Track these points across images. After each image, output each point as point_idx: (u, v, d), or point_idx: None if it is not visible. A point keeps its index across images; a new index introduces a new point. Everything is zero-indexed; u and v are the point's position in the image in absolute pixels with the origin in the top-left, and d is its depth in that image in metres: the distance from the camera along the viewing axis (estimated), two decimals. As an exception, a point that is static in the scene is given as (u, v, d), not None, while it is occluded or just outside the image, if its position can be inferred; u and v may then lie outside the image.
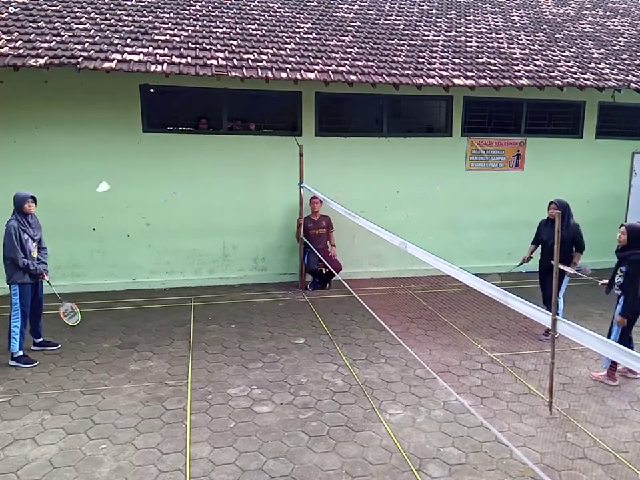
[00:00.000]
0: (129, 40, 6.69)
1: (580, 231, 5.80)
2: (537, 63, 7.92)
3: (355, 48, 7.63)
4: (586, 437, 3.91)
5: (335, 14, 8.92)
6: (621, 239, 4.66)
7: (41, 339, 5.40)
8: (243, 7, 8.62)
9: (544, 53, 8.37)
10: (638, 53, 8.85)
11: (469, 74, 7.23)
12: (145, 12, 7.75)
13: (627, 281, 4.60)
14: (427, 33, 8.65)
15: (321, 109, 7.74)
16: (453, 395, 4.37)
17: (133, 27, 7.13)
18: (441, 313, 6.56)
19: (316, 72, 6.70)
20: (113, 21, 7.25)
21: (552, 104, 8.36)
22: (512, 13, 10.23)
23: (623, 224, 4.81)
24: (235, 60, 6.65)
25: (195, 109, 7.68)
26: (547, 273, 5.55)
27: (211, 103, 7.43)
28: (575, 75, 7.59)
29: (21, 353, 5.05)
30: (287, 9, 8.85)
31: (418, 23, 9.05)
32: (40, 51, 6.05)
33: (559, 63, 8.00)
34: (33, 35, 6.44)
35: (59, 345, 5.45)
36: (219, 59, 6.60)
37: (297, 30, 8.01)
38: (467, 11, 10.01)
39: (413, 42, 8.17)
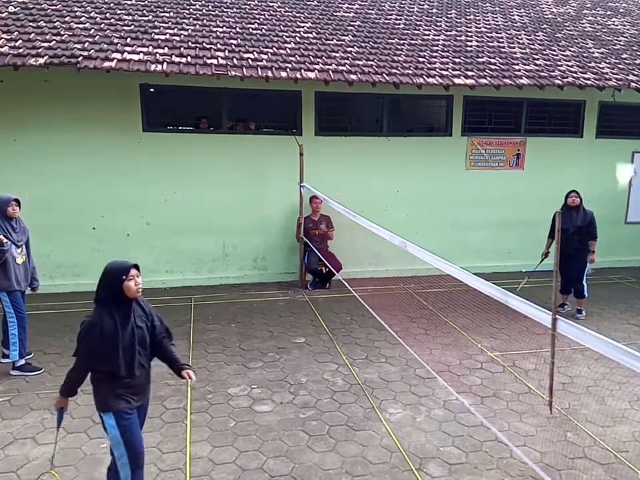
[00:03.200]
0: (128, 39, 6.69)
1: (595, 218, 6.28)
2: (537, 62, 7.91)
3: (355, 47, 7.62)
4: (586, 436, 3.91)
5: (335, 13, 8.92)
6: None
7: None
8: (243, 6, 8.62)
9: (544, 52, 8.36)
10: (638, 53, 8.84)
11: (469, 73, 7.23)
12: (144, 11, 7.74)
13: None
14: (427, 32, 8.65)
15: (320, 108, 7.73)
16: (453, 394, 4.37)
17: (132, 26, 7.13)
18: (441, 312, 6.56)
19: (316, 71, 6.70)
20: (112, 20, 7.25)
21: (552, 103, 8.35)
22: (512, 12, 10.22)
23: None
24: (234, 59, 6.65)
25: (195, 108, 7.68)
26: (568, 259, 5.98)
27: (211, 102, 7.43)
28: (575, 75, 7.58)
29: (23, 361, 4.87)
30: (286, 8, 8.84)
31: (418, 23, 9.04)
32: (40, 50, 6.04)
33: (559, 63, 7.99)
34: (32, 34, 6.44)
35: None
36: (219, 58, 6.60)
37: (297, 29, 8.00)
38: (467, 10, 10.00)
39: (413, 41, 8.17)
